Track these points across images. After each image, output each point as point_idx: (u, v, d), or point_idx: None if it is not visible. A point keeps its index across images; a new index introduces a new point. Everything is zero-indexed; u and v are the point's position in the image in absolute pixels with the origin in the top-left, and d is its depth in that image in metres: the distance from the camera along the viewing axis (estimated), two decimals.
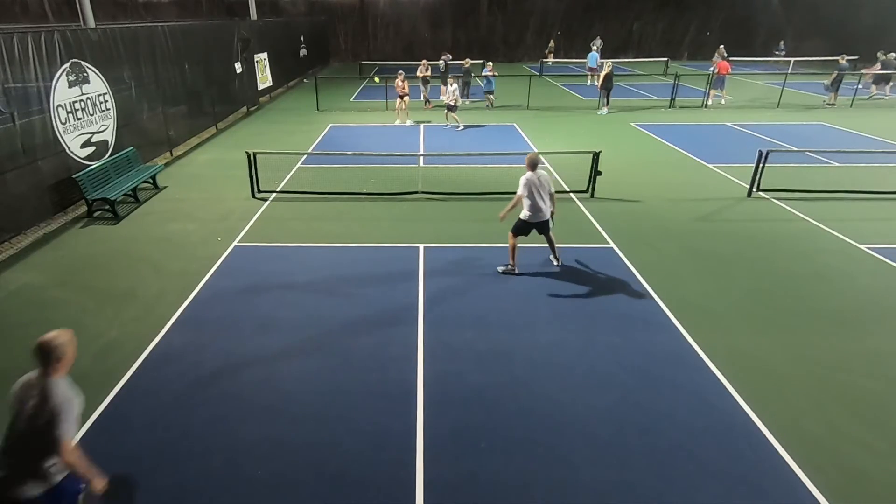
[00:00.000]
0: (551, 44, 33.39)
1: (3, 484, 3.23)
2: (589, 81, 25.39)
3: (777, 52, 31.43)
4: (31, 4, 14.98)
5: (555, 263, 7.78)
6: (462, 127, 16.07)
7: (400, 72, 16.93)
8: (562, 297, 7.00)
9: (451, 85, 16.42)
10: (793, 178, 11.12)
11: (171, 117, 13.57)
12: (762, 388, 5.33)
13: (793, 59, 29.06)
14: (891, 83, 21.74)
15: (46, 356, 3.23)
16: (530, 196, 7.15)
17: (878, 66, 21.48)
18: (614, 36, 35.49)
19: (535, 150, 13.81)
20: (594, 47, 27.05)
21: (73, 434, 3.25)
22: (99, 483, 3.43)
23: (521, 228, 7.38)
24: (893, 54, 21.72)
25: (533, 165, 7.17)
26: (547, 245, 7.75)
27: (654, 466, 4.44)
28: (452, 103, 16.12)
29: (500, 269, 7.58)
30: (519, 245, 8.60)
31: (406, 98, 16.92)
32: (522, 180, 7.14)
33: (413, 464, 4.46)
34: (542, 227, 7.42)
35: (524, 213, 7.29)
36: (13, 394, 3.29)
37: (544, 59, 31.56)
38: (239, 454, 4.56)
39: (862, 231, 8.89)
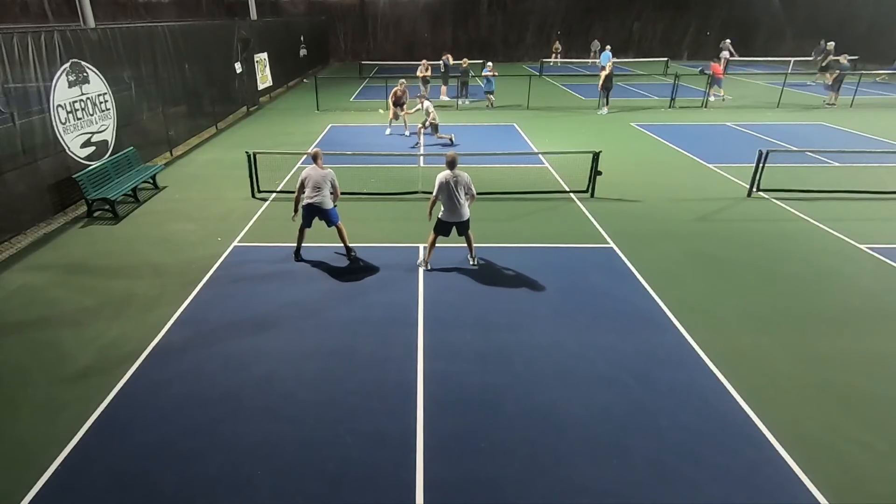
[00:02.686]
0: (557, 45, 33.39)
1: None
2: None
3: (822, 53, 29.33)
4: (31, 4, 14.96)
5: (471, 263, 7.76)
6: (452, 141, 14.44)
7: (402, 81, 15.59)
8: (562, 297, 7.00)
9: (427, 103, 14.44)
10: (793, 178, 11.13)
11: (171, 117, 13.57)
12: (762, 388, 5.33)
13: (793, 59, 29.05)
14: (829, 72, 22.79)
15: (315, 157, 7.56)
16: (445, 196, 7.17)
17: (822, 56, 22.91)
18: (614, 36, 35.46)
19: (536, 150, 13.84)
20: (607, 48, 26.82)
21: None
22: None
23: (440, 228, 7.42)
24: (832, 43, 23.18)
25: (450, 165, 7.15)
26: (466, 245, 7.76)
27: (654, 466, 4.43)
28: (435, 122, 14.35)
29: (420, 265, 7.69)
30: (520, 245, 8.58)
31: (401, 108, 15.29)
32: (437, 180, 7.14)
33: (413, 464, 4.46)
34: (461, 227, 7.44)
35: (441, 213, 7.34)
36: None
37: (547, 59, 31.55)
38: (239, 454, 4.56)
39: (862, 231, 8.89)
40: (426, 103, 14.52)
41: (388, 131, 15.84)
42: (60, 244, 8.58)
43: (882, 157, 12.98)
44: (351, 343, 6.04)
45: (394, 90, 15.61)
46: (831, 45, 24.89)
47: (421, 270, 7.59)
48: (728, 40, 26.66)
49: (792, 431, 4.77)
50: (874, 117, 17.80)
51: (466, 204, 7.31)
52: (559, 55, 33.37)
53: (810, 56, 28.58)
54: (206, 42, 15.71)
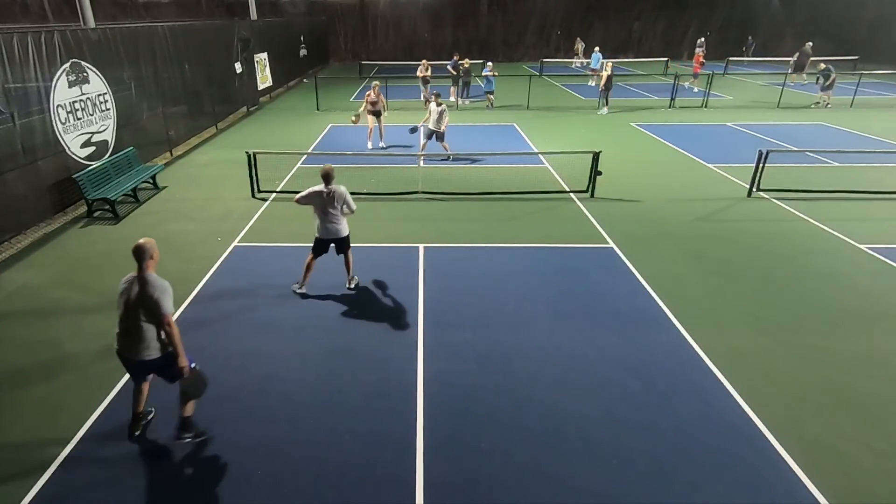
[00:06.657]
0: (578, 46, 31.73)
1: (130, 351, 4.44)
2: (592, 82, 25.30)
3: (745, 50, 33.26)
4: (31, 4, 14.97)
5: (348, 287, 7.16)
6: (451, 157, 12.82)
7: (375, 83, 13.67)
8: (561, 297, 7.00)
9: (440, 106, 12.34)
10: (793, 178, 11.12)
11: (171, 117, 13.56)
12: (762, 388, 5.33)
13: (793, 59, 29.01)
14: (805, 72, 24.84)
15: (141, 256, 4.27)
16: (316, 212, 6.67)
17: (796, 55, 24.92)
18: (614, 36, 35.48)
19: (536, 150, 13.83)
20: (596, 49, 26.87)
21: (171, 310, 4.30)
22: (184, 361, 4.39)
23: (316, 246, 6.89)
24: (811, 43, 24.83)
25: (326, 179, 6.54)
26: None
27: (654, 467, 4.43)
28: (441, 130, 12.44)
29: (294, 287, 7.10)
30: (520, 245, 8.57)
31: (378, 116, 13.53)
32: (308, 189, 6.64)
33: (413, 464, 4.46)
34: (339, 246, 6.90)
35: (317, 231, 6.80)
36: (120, 288, 4.40)
37: (557, 60, 31.34)
38: (239, 454, 4.56)
39: (862, 231, 8.89)
40: (441, 107, 12.35)
41: (369, 145, 13.85)
42: (60, 244, 8.57)
43: (882, 157, 12.98)
44: (351, 343, 6.03)
45: (367, 93, 13.41)
46: (749, 38, 31.08)
47: (420, 271, 7.58)
48: (702, 38, 27.35)
49: (792, 431, 4.77)
50: (874, 117, 17.80)
51: (343, 220, 6.79)
52: (580, 55, 31.23)
53: (743, 54, 31.82)
54: (206, 42, 15.71)
